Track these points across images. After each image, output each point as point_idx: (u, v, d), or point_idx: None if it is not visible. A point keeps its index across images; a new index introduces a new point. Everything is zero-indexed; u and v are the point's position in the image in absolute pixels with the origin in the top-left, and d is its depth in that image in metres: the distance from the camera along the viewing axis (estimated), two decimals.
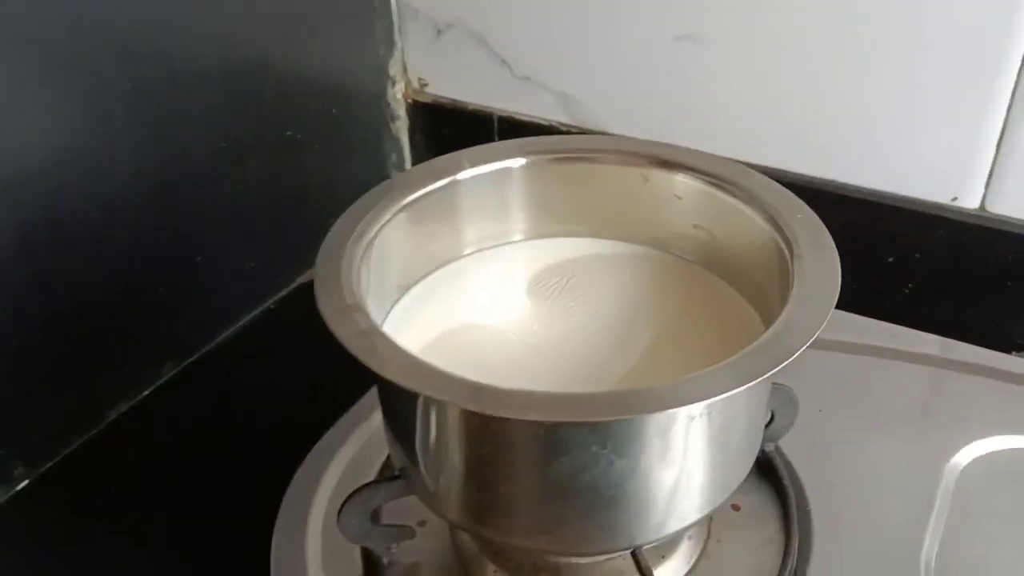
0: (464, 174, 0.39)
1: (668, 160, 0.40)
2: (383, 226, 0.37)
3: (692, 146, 0.59)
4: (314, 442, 0.53)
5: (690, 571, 0.42)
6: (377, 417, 0.48)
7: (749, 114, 0.60)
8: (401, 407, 0.35)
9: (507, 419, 0.30)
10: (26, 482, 0.56)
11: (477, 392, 0.29)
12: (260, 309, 0.68)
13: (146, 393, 0.62)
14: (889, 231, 0.61)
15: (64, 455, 0.58)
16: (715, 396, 0.30)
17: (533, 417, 0.28)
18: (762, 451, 0.45)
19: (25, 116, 0.51)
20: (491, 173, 0.40)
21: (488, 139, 0.72)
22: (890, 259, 0.61)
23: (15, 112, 0.50)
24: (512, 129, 0.69)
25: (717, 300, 0.40)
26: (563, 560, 0.39)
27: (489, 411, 0.28)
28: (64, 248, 0.54)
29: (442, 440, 0.33)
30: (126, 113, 0.55)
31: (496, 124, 0.70)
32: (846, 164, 0.59)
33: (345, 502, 0.40)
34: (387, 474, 0.42)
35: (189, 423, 0.60)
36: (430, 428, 0.33)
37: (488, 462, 0.32)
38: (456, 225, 0.40)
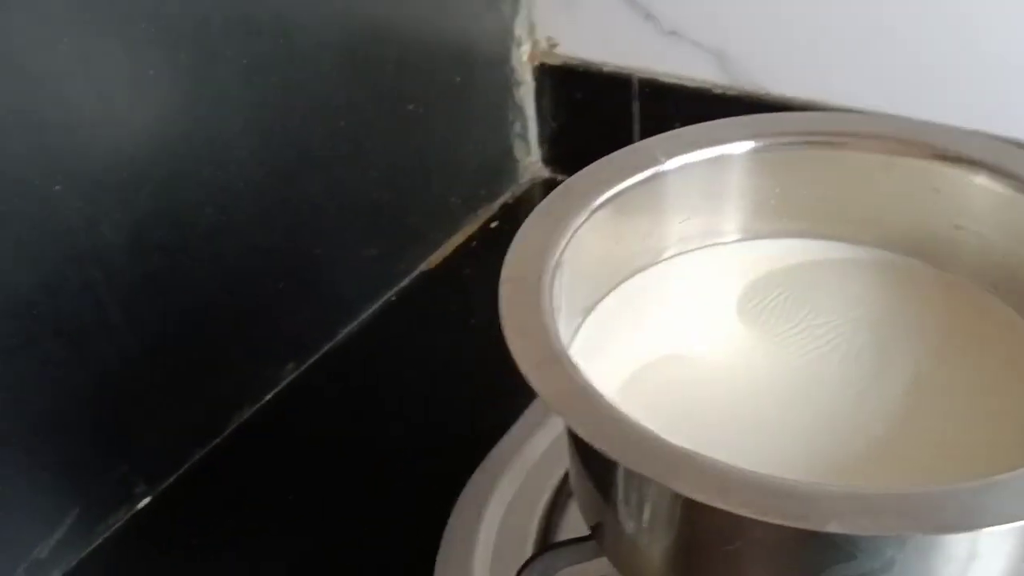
0: (671, 163, 0.32)
1: (925, 143, 0.32)
2: (574, 233, 0.30)
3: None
4: (451, 441, 0.48)
5: None
6: (540, 441, 0.42)
7: (952, 70, 0.50)
8: (610, 473, 0.28)
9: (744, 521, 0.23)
10: (148, 500, 0.52)
11: (742, 486, 0.22)
12: (382, 301, 0.63)
13: (268, 397, 0.57)
14: None
15: (186, 468, 0.53)
16: None
17: (834, 529, 0.21)
18: None
19: (133, 101, 0.45)
20: (706, 162, 0.33)
21: (626, 105, 0.64)
22: None
23: (122, 96, 0.45)
24: (656, 94, 0.62)
25: (990, 324, 0.32)
26: None
27: (780, 521, 0.21)
28: (179, 246, 0.49)
29: (665, 526, 0.26)
30: (241, 92, 0.50)
31: (636, 88, 0.63)
32: None
33: (525, 566, 0.34)
34: (575, 536, 0.36)
35: (315, 427, 0.56)
36: (650, 510, 0.26)
37: (730, 560, 0.25)
38: (658, 222, 0.33)
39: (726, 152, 0.33)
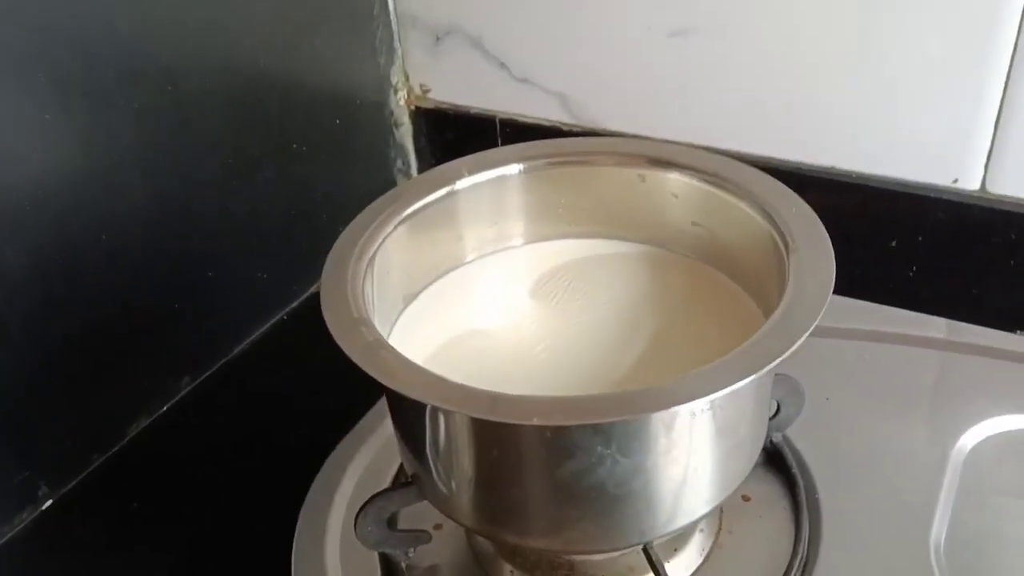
0: (462, 183, 0.40)
1: (663, 159, 0.41)
2: (385, 239, 0.38)
3: (690, 140, 0.60)
4: (330, 451, 0.54)
5: (703, 563, 0.43)
6: (389, 425, 0.49)
7: (744, 105, 0.60)
8: (410, 417, 0.35)
9: (512, 425, 0.30)
10: (50, 502, 0.57)
11: (482, 400, 0.30)
12: (273, 321, 0.69)
13: (164, 408, 0.63)
14: (891, 215, 0.61)
15: (87, 473, 0.59)
16: (715, 392, 0.30)
17: (537, 422, 0.29)
18: (770, 441, 0.46)
19: (32, 141, 0.52)
20: (488, 181, 0.41)
21: (491, 142, 0.72)
22: (893, 243, 0.62)
23: (22, 137, 0.51)
24: (515, 131, 0.70)
25: (719, 294, 0.41)
26: (577, 558, 0.40)
27: (494, 418, 0.29)
28: (77, 270, 0.55)
29: (451, 447, 0.34)
30: (132, 134, 0.56)
31: (499, 127, 0.71)
32: (844, 151, 0.60)
33: (361, 510, 0.41)
34: (400, 481, 0.43)
35: (207, 436, 0.62)
36: (439, 436, 0.34)
37: (497, 467, 0.33)
38: (457, 232, 0.41)
39: (505, 173, 0.41)
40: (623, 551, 0.40)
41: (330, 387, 0.63)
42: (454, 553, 0.43)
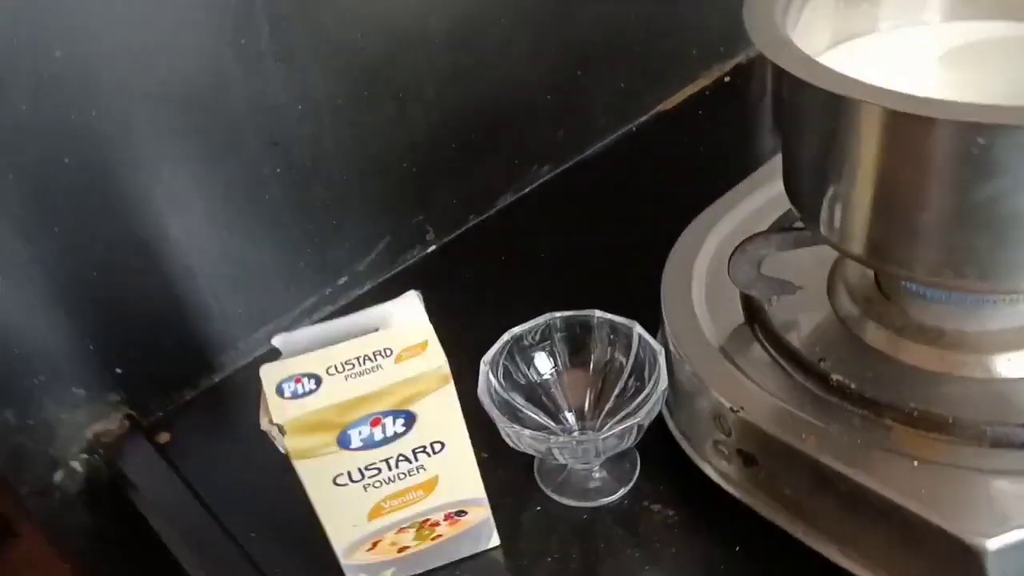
0: None
1: None
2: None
3: None
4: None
5: None
6: (757, 197, 0.52)
7: None
8: (821, 131, 0.37)
9: (939, 135, 0.32)
10: (434, 247, 0.67)
11: (910, 98, 0.32)
12: (624, 130, 0.75)
13: (527, 190, 0.70)
14: None
15: (463, 230, 0.68)
16: None
17: (975, 119, 0.30)
18: None
19: None
20: None
21: None
22: None
23: None
24: None
25: None
26: (948, 325, 0.41)
27: (925, 112, 0.31)
28: (478, 50, 0.63)
29: (863, 162, 0.35)
30: None
31: None
32: None
33: (738, 248, 0.45)
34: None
35: (560, 217, 0.68)
36: (851, 150, 0.36)
37: (908, 183, 0.35)
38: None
39: None
40: (1010, 297, 0.40)
41: (671, 194, 0.67)
42: (816, 311, 0.46)
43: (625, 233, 0.64)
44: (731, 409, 0.43)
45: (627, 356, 0.49)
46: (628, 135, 0.74)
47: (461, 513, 0.45)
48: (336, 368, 0.40)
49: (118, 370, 0.55)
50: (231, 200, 0.55)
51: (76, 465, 0.56)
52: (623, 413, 0.49)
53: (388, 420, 0.40)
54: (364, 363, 0.40)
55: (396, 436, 0.41)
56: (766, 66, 0.44)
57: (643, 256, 0.52)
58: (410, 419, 0.41)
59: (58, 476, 0.55)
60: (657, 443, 0.48)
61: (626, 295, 0.49)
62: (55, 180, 0.48)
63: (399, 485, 0.43)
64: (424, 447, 0.42)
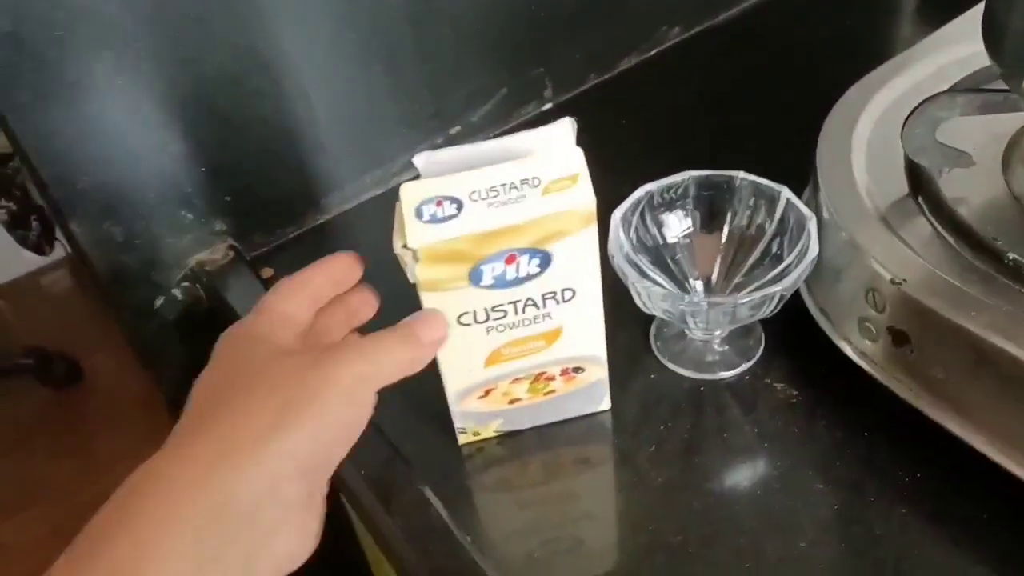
0: None
1: None
2: None
3: None
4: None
5: None
6: (930, 62, 0.48)
7: None
8: None
9: None
10: (549, 105, 0.63)
11: None
12: None
13: (653, 52, 0.66)
14: None
15: (582, 89, 0.64)
16: None
17: None
18: None
19: None
20: None
21: None
22: None
23: None
24: None
25: None
26: None
27: None
28: None
29: None
30: None
31: None
32: None
33: (917, 108, 0.41)
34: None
35: (697, 81, 0.64)
36: None
37: None
38: None
39: None
40: None
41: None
42: (989, 187, 0.42)
43: (761, 101, 0.60)
44: (892, 281, 0.39)
45: (770, 222, 0.45)
46: (767, 1, 0.69)
47: (578, 370, 0.43)
48: (479, 194, 0.37)
49: (227, 197, 0.53)
50: (356, 28, 0.52)
51: (177, 292, 0.54)
52: (757, 283, 0.45)
53: (524, 259, 0.37)
54: (509, 192, 0.37)
55: (528, 277, 0.38)
56: None
57: (781, 126, 0.48)
58: (546, 260, 0.38)
59: (159, 302, 0.54)
60: (786, 320, 0.45)
61: (765, 162, 0.46)
62: None
63: (522, 332, 0.40)
64: (554, 293, 0.39)
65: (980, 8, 0.40)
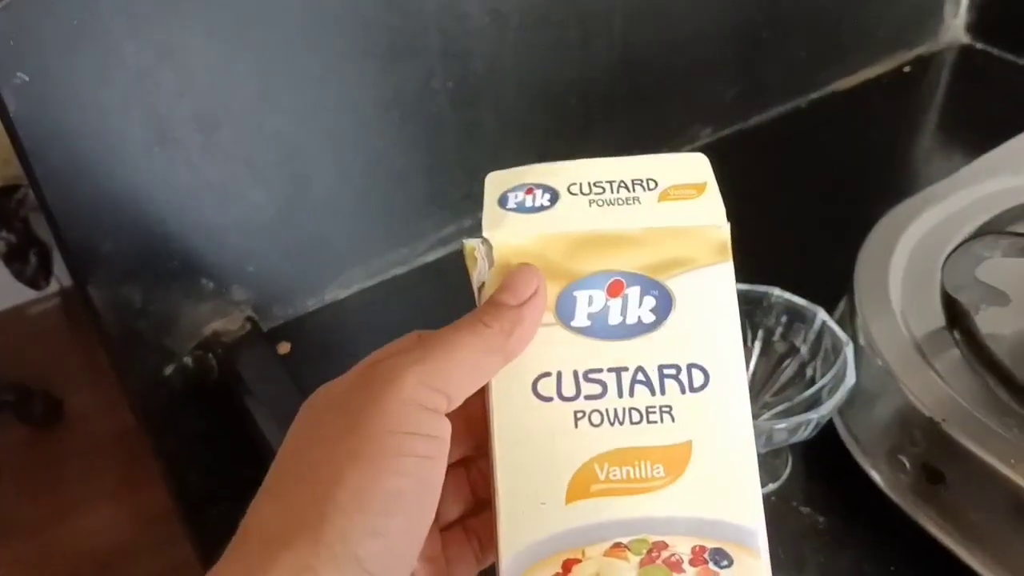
0: None
1: None
2: None
3: None
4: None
5: None
6: (969, 193, 0.48)
7: None
8: None
9: None
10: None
11: None
12: (791, 104, 0.70)
13: (684, 150, 0.66)
14: None
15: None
16: None
17: None
18: None
19: None
20: None
21: None
22: None
23: None
24: None
25: None
26: None
27: None
28: None
29: None
30: None
31: None
32: None
33: (960, 245, 0.41)
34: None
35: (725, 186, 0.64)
36: None
37: None
38: None
39: None
40: None
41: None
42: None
43: (791, 212, 0.60)
44: (931, 419, 0.39)
45: (803, 342, 0.45)
46: (796, 110, 0.69)
47: (720, 560, 0.25)
48: (580, 188, 0.28)
49: (249, 268, 0.52)
50: (397, 106, 0.51)
51: (188, 360, 0.53)
52: (788, 404, 0.45)
53: (633, 292, 0.26)
54: (617, 190, 0.28)
55: (640, 328, 0.26)
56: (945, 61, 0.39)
57: (811, 239, 0.47)
58: (664, 304, 0.26)
59: (168, 369, 0.53)
60: (815, 442, 0.44)
61: (794, 278, 0.45)
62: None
63: (629, 434, 0.25)
64: (676, 369, 0.25)
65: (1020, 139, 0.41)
